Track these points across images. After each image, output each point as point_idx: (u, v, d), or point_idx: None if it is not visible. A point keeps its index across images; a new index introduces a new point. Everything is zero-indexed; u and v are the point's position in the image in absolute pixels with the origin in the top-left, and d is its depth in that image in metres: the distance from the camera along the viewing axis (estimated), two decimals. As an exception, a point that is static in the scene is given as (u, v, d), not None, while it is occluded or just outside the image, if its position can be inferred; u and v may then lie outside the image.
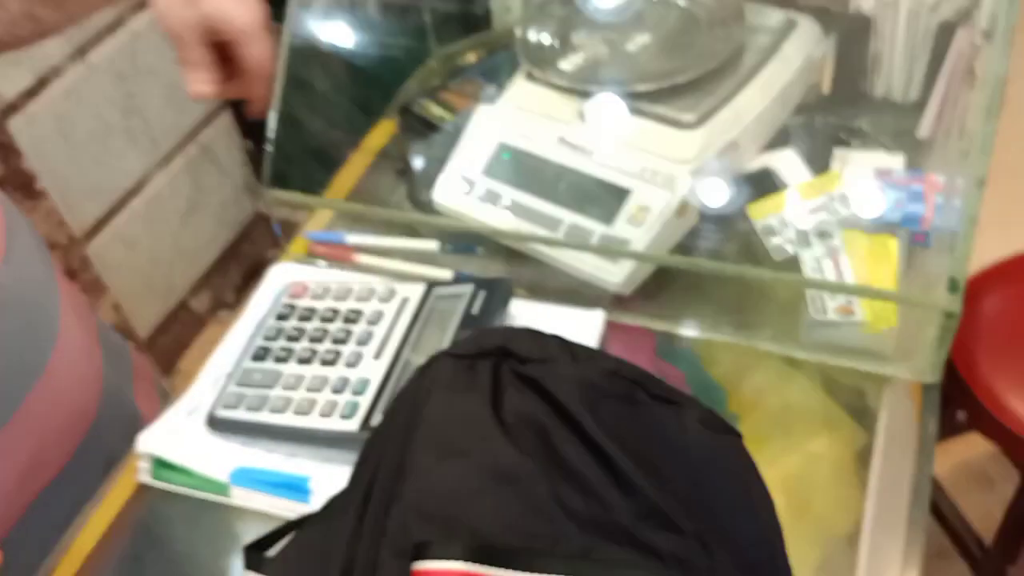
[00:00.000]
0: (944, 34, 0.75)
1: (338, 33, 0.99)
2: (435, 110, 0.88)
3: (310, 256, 0.78)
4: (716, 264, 0.67)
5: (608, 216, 0.70)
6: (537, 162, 0.74)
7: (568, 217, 0.71)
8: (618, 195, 0.70)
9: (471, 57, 0.97)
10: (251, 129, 1.92)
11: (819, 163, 0.77)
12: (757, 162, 0.75)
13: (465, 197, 0.75)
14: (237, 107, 1.82)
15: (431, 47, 1.00)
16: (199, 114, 1.81)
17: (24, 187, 1.45)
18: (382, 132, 0.90)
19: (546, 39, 0.79)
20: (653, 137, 0.72)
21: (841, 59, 0.80)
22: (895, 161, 0.76)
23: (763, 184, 0.75)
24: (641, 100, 0.73)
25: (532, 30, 0.81)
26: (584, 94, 0.75)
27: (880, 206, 0.69)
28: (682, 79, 0.72)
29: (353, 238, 0.77)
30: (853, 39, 0.79)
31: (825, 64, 0.81)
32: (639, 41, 0.77)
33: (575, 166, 0.72)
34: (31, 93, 1.45)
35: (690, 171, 0.69)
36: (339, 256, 0.77)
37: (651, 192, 0.69)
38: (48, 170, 1.48)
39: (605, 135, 0.73)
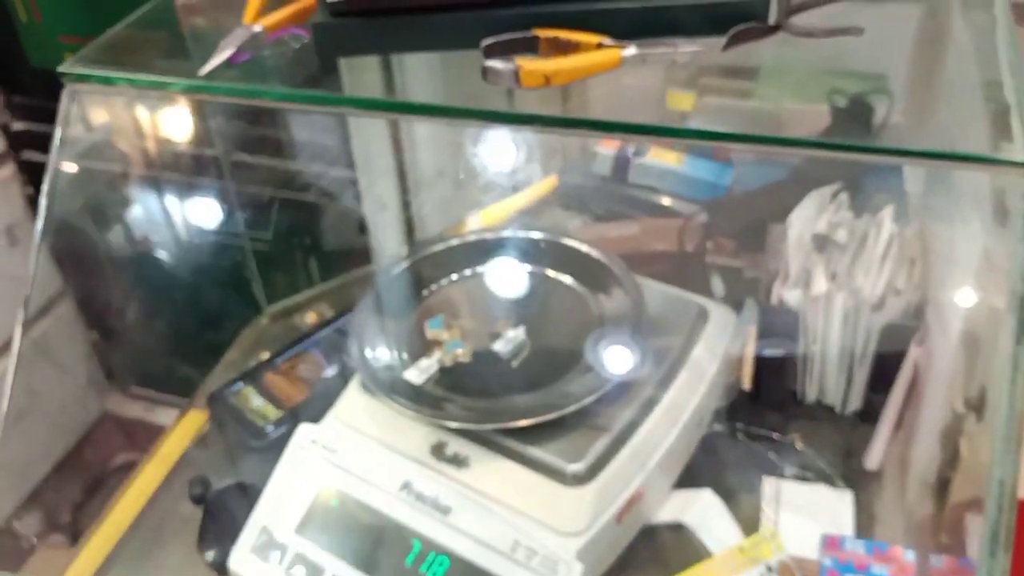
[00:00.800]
0: (891, 338, 0.60)
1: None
2: (255, 403, 0.68)
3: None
4: None
5: (468, 617, 0.50)
6: (373, 519, 0.54)
7: (411, 615, 0.51)
8: (482, 585, 0.50)
9: (313, 315, 0.79)
10: (98, 318, 1.69)
11: (746, 497, 0.60)
12: (667, 512, 0.58)
13: (271, 568, 0.54)
14: (82, 292, 1.59)
15: (260, 298, 0.81)
16: (35, 304, 1.57)
17: None
18: (187, 426, 0.69)
19: (389, 337, 0.61)
20: (529, 494, 0.53)
21: (764, 355, 0.65)
22: (843, 501, 0.59)
23: (676, 545, 0.57)
24: (514, 436, 0.54)
25: (369, 324, 0.62)
26: (437, 421, 0.56)
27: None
28: (569, 408, 0.54)
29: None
30: (778, 333, 0.64)
31: (745, 358, 0.66)
32: (508, 345, 0.59)
33: (424, 531, 0.53)
34: None
35: (579, 549, 0.51)
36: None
37: (526, 583, 0.50)
38: None
39: (465, 487, 0.54)
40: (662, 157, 0.79)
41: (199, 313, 1.03)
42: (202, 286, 0.98)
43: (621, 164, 0.80)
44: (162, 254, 1.25)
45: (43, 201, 0.66)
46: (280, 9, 0.56)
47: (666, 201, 0.80)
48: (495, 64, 0.47)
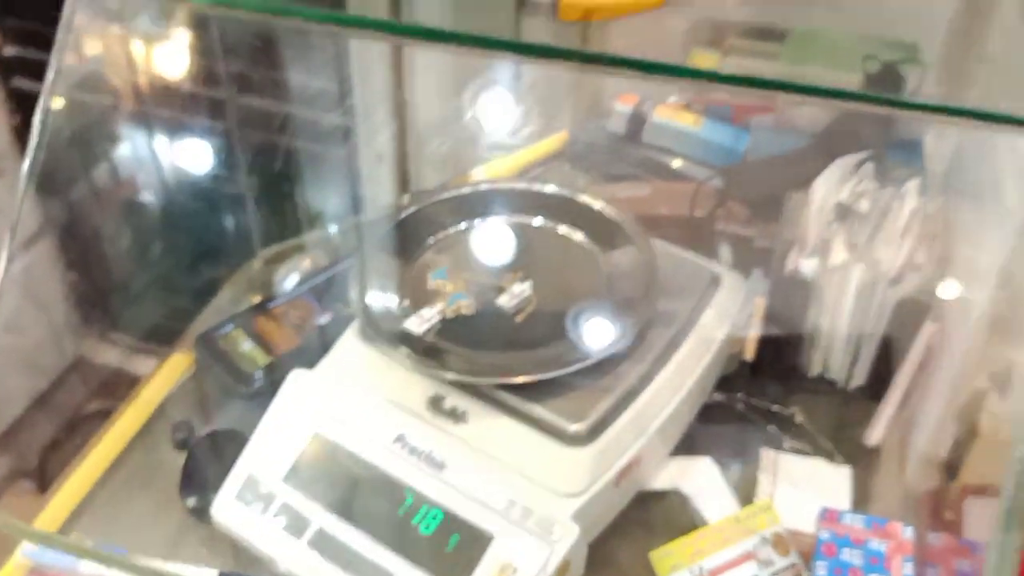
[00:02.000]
0: (905, 314, 0.59)
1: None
2: (244, 348, 0.66)
3: (24, 585, 0.54)
4: None
5: (460, 573, 0.48)
6: (364, 471, 0.52)
7: (400, 570, 0.49)
8: (475, 542, 0.48)
9: (308, 261, 0.76)
10: (79, 260, 1.64)
11: (743, 468, 0.59)
12: (664, 478, 0.56)
13: (255, 516, 0.52)
14: (63, 230, 1.55)
15: (254, 242, 0.78)
16: (16, 239, 1.53)
17: None
18: (172, 369, 0.67)
19: (390, 284, 0.59)
20: (528, 452, 0.51)
21: (770, 324, 0.63)
22: (840, 476, 0.58)
23: (672, 512, 0.55)
24: (514, 392, 0.53)
25: (370, 270, 0.60)
26: (436, 373, 0.54)
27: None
28: (572, 367, 0.53)
29: (88, 569, 0.53)
30: (786, 304, 0.62)
31: (749, 328, 0.64)
32: (512, 299, 0.57)
33: (417, 486, 0.51)
34: None
35: (576, 511, 0.49)
36: (65, 592, 0.53)
37: (521, 542, 0.48)
38: None
39: (461, 442, 0.52)
40: (678, 118, 0.76)
41: (187, 257, 1.00)
42: (192, 229, 0.95)
43: (636, 122, 0.77)
44: (151, 194, 1.21)
45: (35, 131, 0.63)
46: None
47: (680, 164, 0.77)
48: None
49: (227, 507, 0.53)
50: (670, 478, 0.56)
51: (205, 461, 0.57)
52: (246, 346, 0.65)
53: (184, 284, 0.96)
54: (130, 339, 1.57)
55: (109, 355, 1.63)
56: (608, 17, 0.45)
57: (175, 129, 1.01)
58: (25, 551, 0.55)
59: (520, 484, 0.50)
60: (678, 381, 0.55)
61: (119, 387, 0.74)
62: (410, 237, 0.62)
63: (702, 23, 0.75)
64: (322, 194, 0.93)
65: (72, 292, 1.64)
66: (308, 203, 0.92)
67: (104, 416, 0.68)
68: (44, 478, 1.63)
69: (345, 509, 0.51)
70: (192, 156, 1.00)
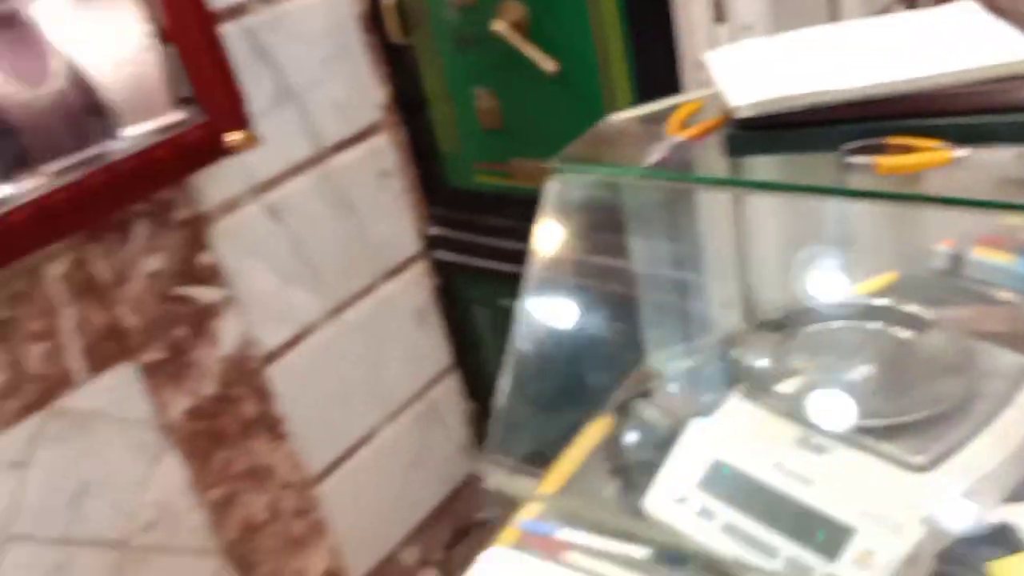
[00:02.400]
0: None
1: (566, 325, 1.09)
2: (650, 414, 0.92)
3: (521, 544, 0.81)
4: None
5: (831, 552, 0.67)
6: (754, 485, 0.74)
7: (786, 547, 0.69)
8: (842, 532, 0.68)
9: (685, 364, 1.02)
10: (476, 392, 2.04)
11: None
12: (996, 514, 0.70)
13: (678, 510, 0.76)
14: (465, 370, 1.95)
15: (646, 350, 1.07)
16: (431, 374, 1.98)
17: (271, 428, 1.63)
18: (599, 428, 0.95)
19: (764, 361, 0.83)
20: (879, 476, 0.70)
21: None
22: None
23: (1002, 541, 0.69)
24: (864, 435, 0.72)
25: (750, 351, 0.85)
26: (803, 421, 0.76)
27: None
28: (909, 419, 0.71)
29: (563, 534, 0.80)
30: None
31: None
32: (860, 372, 0.78)
33: (795, 495, 0.72)
34: (289, 344, 1.67)
35: (921, 518, 0.66)
36: (549, 549, 0.79)
37: (878, 535, 0.66)
38: (294, 414, 1.65)
39: (826, 467, 0.72)
40: (994, 256, 0.93)
41: (568, 391, 1.27)
42: (572, 372, 1.22)
43: (956, 261, 0.95)
44: (538, 342, 1.52)
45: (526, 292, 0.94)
46: (696, 125, 0.83)
47: (1000, 294, 0.93)
48: (858, 159, 0.68)
49: (657, 503, 0.78)
50: (1001, 515, 0.70)
51: (636, 475, 0.82)
52: (652, 414, 0.92)
53: (562, 411, 1.22)
54: (511, 460, 1.90)
55: (494, 474, 1.97)
56: (910, 171, 0.67)
57: (564, 287, 1.31)
58: (521, 524, 0.83)
59: (875, 497, 0.68)
60: (1004, 440, 0.71)
61: (499, 503, 0.95)
62: (780, 331, 0.86)
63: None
64: (683, 323, 1.19)
65: (471, 418, 2.03)
66: (672, 331, 1.18)
67: (491, 524, 0.91)
68: (447, 570, 1.97)
69: (743, 507, 0.73)
70: (576, 310, 1.29)
